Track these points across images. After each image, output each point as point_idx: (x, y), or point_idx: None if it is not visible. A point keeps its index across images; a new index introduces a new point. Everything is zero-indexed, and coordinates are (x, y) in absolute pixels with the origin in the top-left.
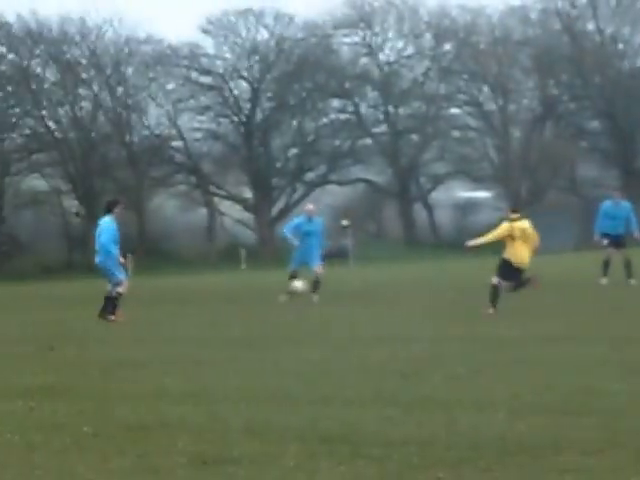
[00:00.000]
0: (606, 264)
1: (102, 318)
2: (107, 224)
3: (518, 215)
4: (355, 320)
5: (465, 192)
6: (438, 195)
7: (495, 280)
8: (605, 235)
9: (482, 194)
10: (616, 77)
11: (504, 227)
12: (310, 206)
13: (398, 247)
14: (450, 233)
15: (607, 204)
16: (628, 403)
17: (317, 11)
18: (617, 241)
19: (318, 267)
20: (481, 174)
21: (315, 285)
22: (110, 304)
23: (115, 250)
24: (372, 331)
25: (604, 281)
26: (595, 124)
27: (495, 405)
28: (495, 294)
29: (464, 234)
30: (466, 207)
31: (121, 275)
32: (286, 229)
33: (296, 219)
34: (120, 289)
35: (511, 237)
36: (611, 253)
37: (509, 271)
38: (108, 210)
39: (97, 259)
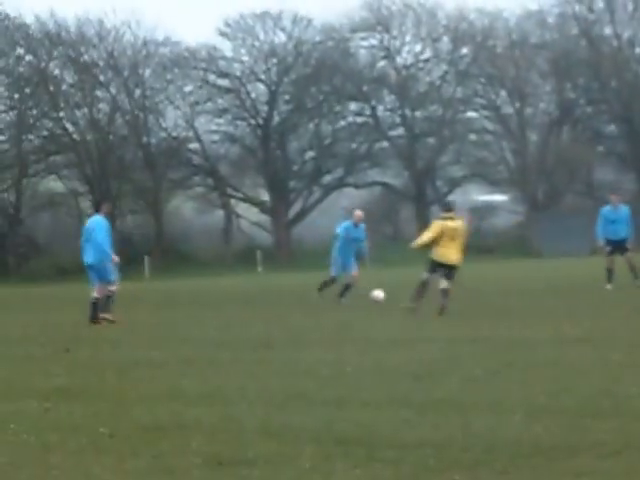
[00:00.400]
0: (609, 271)
1: (94, 323)
2: (100, 223)
3: (451, 214)
4: (371, 322)
5: (482, 195)
6: (455, 198)
7: (424, 276)
8: (608, 242)
9: (499, 197)
10: (633, 81)
11: (436, 225)
12: (359, 212)
13: (414, 250)
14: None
15: (606, 209)
16: None
17: (335, 14)
18: (620, 245)
19: (356, 273)
20: (498, 177)
21: (347, 288)
22: (106, 303)
23: (110, 249)
24: (388, 333)
25: (609, 287)
26: (612, 128)
27: (511, 407)
28: (422, 290)
29: (480, 237)
30: (483, 210)
31: (113, 276)
32: (341, 232)
33: (344, 224)
34: (113, 287)
35: (440, 236)
36: (612, 261)
37: (436, 268)
38: (97, 210)
39: (89, 258)
